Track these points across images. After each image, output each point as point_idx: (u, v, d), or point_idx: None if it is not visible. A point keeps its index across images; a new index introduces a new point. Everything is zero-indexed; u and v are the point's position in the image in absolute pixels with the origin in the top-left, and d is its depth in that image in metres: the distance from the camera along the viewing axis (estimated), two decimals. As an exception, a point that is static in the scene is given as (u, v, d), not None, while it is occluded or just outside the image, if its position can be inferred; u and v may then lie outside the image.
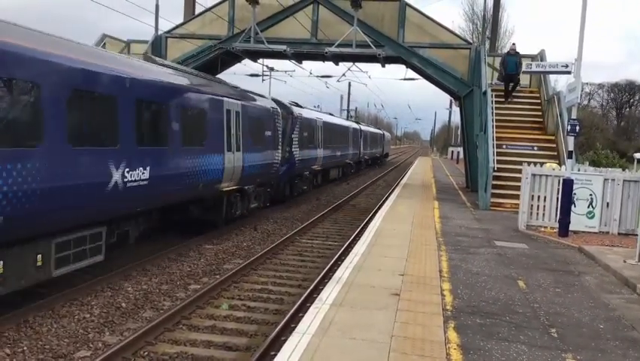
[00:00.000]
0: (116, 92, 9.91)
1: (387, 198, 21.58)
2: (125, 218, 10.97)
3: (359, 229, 16.00)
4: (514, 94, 22.08)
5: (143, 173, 10.72)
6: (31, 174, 7.84)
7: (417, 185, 27.29)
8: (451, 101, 59.72)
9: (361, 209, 22.13)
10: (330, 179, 31.82)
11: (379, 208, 18.55)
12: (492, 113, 20.03)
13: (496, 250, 11.73)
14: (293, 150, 22.34)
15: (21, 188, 7.65)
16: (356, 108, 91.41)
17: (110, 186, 9.71)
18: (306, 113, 25.79)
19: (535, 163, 15.31)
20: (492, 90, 21.25)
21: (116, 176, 9.84)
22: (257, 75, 33.06)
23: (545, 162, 16.23)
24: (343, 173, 36.21)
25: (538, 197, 14.64)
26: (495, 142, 19.17)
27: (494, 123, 19.88)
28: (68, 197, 8.65)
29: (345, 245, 13.90)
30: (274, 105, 19.99)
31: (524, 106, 22.14)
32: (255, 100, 17.91)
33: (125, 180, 10.12)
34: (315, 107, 35.77)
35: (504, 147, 19.62)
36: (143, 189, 10.76)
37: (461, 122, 26.95)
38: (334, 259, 12.42)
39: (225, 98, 14.98)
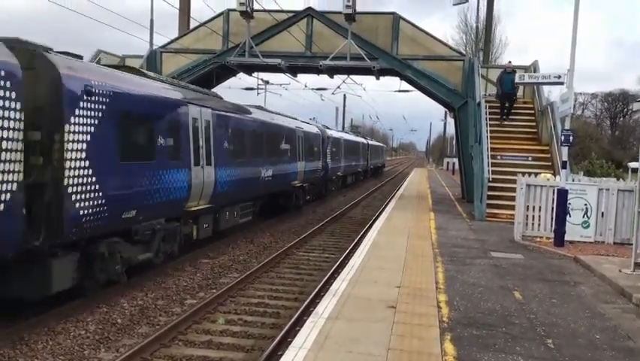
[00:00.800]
0: (263, 132, 18.79)
1: (383, 210, 21.60)
2: (257, 198, 18.70)
3: (355, 242, 15.99)
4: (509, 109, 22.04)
5: (270, 172, 19.10)
6: (241, 172, 16.16)
7: (413, 196, 27.32)
8: (445, 112, 59.89)
9: (358, 221, 22.13)
10: (347, 183, 40.57)
11: (375, 220, 18.56)
12: (486, 124, 20.13)
13: (492, 261, 11.74)
14: (327, 160, 30.28)
15: (237, 178, 15.80)
16: (352, 120, 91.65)
17: (260, 179, 18.17)
18: (334, 134, 35.78)
19: (529, 174, 15.37)
20: (486, 102, 21.36)
21: (262, 174, 18.32)
22: (252, 89, 33.06)
23: (540, 173, 16.29)
24: (356, 178, 45.52)
25: (534, 207, 14.68)
26: (490, 153, 19.25)
27: (489, 134, 19.97)
28: (249, 183, 17.05)
29: (342, 258, 13.89)
30: (318, 130, 29.33)
31: (518, 117, 22.25)
32: (308, 126, 27.31)
33: (264, 176, 18.59)
34: (311, 119, 36.43)
35: (499, 157, 19.71)
36: (269, 182, 19.20)
37: (456, 133, 27.07)
38: (330, 271, 12.41)
39: (297, 128, 23.58)
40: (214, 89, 24.84)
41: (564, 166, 13.97)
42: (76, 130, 8.79)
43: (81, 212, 8.87)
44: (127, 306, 9.87)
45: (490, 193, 18.22)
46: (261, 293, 11.15)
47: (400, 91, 29.50)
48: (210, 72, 23.85)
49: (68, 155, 8.57)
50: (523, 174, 15.26)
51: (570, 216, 14.01)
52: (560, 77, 14.71)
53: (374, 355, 6.15)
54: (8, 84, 7.48)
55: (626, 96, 63.70)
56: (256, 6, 21.73)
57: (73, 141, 8.68)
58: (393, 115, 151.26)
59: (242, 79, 27.53)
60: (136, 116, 10.61)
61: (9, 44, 7.94)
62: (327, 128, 34.83)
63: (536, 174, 15.57)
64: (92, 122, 9.16)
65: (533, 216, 14.70)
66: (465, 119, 22.66)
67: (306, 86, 33.59)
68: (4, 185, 7.44)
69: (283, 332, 8.42)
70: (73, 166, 8.68)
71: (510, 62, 21.89)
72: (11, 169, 7.57)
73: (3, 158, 7.43)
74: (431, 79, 22.78)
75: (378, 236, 14.16)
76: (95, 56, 23.31)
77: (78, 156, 8.81)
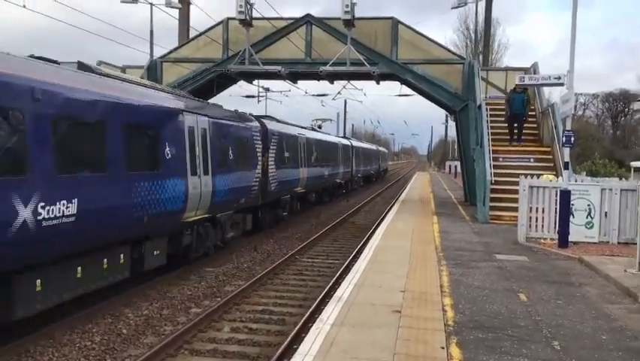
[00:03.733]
0: (363, 151, 46.43)
1: (386, 215, 21.59)
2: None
3: (359, 246, 15.98)
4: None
5: (368, 168, 49.50)
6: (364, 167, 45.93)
7: (415, 200, 27.31)
8: (447, 115, 59.93)
9: (361, 226, 22.12)
10: (385, 175, 67.57)
11: (379, 225, 18.55)
12: (487, 126, 20.12)
13: (496, 264, 11.72)
14: (380, 163, 60.29)
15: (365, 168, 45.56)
16: (352, 126, 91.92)
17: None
18: (382, 149, 67.25)
19: (532, 175, 15.36)
20: (487, 104, 21.34)
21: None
22: (252, 96, 33.31)
23: (542, 174, 16.28)
24: (384, 173, 70.75)
25: (537, 209, 14.66)
26: (492, 155, 19.24)
27: (490, 137, 19.97)
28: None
29: (346, 263, 13.88)
30: (378, 148, 61.19)
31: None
32: (375, 147, 57.84)
33: (378, 168, 58.96)
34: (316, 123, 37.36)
35: (500, 160, 19.69)
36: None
37: (457, 136, 27.06)
38: (335, 277, 12.38)
39: (374, 148, 53.96)
40: (215, 98, 25.01)
41: (566, 167, 13.97)
42: None
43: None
44: (132, 316, 9.86)
45: (492, 196, 18.22)
46: (265, 300, 11.14)
47: (400, 95, 29.58)
48: (211, 81, 23.89)
49: None
50: (526, 175, 15.26)
51: (574, 217, 14.00)
52: (559, 77, 14.72)
53: (380, 360, 6.13)
54: None
55: (626, 96, 63.69)
56: (255, 14, 21.80)
57: None
58: (395, 120, 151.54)
59: (242, 87, 27.64)
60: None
61: None
62: (380, 148, 67.83)
63: (538, 176, 15.56)
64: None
65: (537, 218, 14.68)
66: (466, 122, 22.66)
67: (306, 93, 33.78)
68: None
69: (289, 339, 8.40)
70: None
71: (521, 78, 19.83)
72: None
73: None
74: (431, 82, 22.80)
75: (382, 241, 14.15)
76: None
77: None
